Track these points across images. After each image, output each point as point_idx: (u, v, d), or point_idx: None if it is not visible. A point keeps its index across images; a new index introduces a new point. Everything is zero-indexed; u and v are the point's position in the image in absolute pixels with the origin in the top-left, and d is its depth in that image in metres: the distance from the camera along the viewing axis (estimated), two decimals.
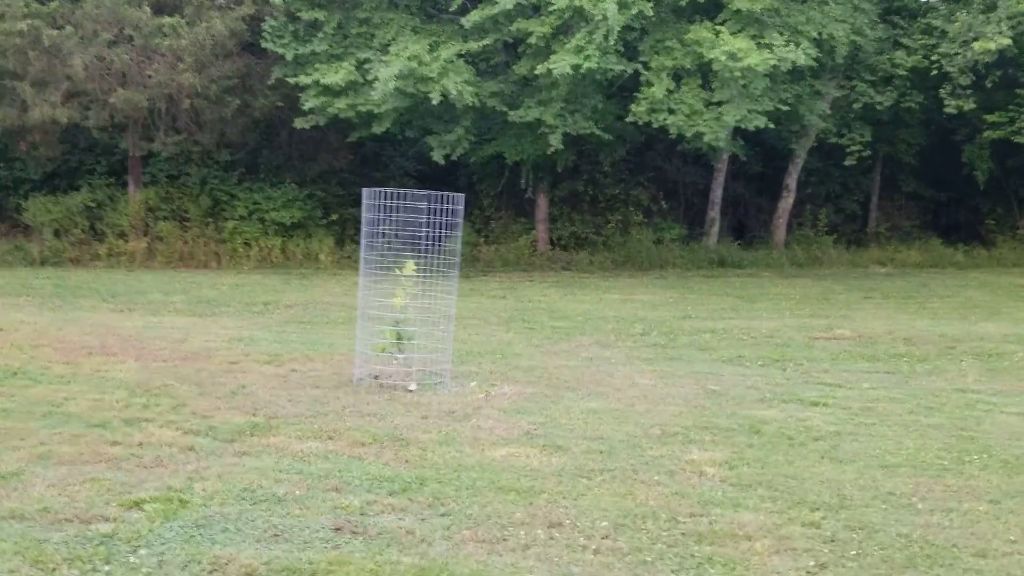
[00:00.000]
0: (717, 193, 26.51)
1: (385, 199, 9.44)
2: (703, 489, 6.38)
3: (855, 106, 24.35)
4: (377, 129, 20.68)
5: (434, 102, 19.17)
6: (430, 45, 19.59)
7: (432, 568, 4.93)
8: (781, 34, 19.45)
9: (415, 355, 9.58)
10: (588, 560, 5.13)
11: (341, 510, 5.79)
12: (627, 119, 20.73)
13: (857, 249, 27.54)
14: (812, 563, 5.15)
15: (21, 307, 14.74)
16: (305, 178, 24.08)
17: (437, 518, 5.72)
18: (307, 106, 20.26)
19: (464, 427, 7.88)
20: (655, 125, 20.00)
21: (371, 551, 5.17)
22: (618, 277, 22.53)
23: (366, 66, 19.98)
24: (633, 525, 5.66)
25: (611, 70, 19.00)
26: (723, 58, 18.25)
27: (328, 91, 19.96)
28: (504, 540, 5.39)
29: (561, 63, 18.38)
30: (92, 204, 22.79)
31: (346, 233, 24.23)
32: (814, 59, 19.91)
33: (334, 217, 24.02)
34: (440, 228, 9.61)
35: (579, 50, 18.50)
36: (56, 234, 22.28)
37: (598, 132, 20.92)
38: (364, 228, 9.67)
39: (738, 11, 19.17)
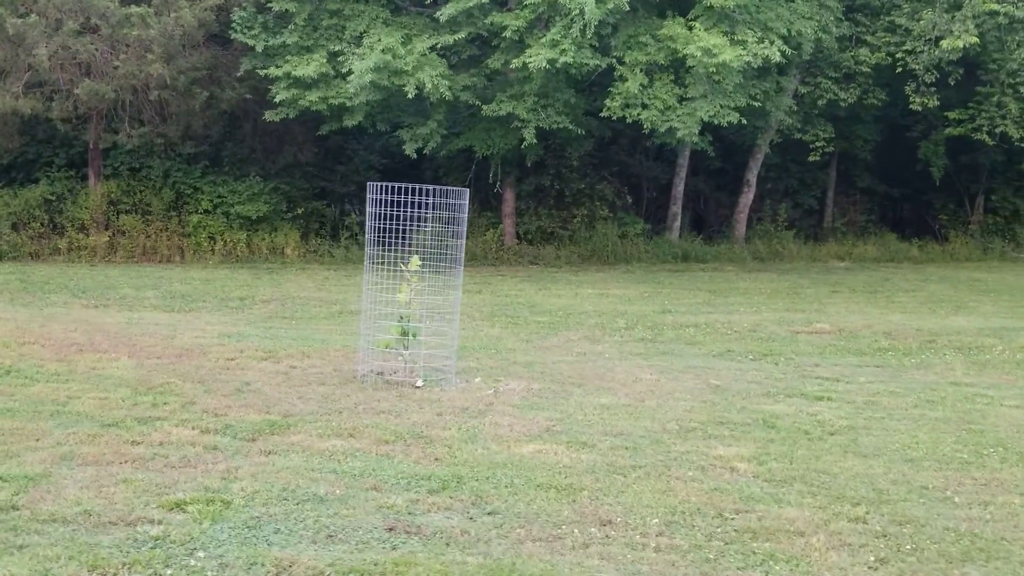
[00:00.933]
0: (679, 188, 26.66)
1: (387, 194, 9.34)
2: (740, 485, 6.41)
3: (819, 102, 24.64)
4: (349, 122, 20.44)
5: (409, 95, 19.00)
6: (403, 38, 19.42)
7: (501, 568, 4.89)
8: (752, 31, 19.59)
9: (420, 351, 9.51)
10: (651, 559, 5.13)
11: (387, 509, 5.73)
12: (600, 114, 20.74)
13: (815, 244, 27.88)
14: (872, 558, 5.21)
15: None
16: (269, 171, 23.72)
17: (485, 517, 5.68)
18: (278, 99, 19.96)
19: (483, 424, 7.84)
20: (629, 120, 20.04)
21: (432, 551, 5.12)
22: (586, 271, 22.57)
23: (339, 59, 19.74)
24: (684, 522, 5.67)
25: (586, 64, 18.99)
26: (699, 54, 18.33)
27: (299, 83, 19.69)
28: (560, 539, 5.37)
29: (537, 57, 18.33)
30: (51, 197, 22.22)
31: (310, 227, 23.97)
32: (785, 56, 20.10)
33: (299, 211, 23.72)
34: (443, 223, 9.55)
35: (554, 44, 18.47)
36: (14, 228, 21.73)
37: (570, 127, 20.92)
38: (368, 223, 9.56)
39: (710, 7, 19.25)
